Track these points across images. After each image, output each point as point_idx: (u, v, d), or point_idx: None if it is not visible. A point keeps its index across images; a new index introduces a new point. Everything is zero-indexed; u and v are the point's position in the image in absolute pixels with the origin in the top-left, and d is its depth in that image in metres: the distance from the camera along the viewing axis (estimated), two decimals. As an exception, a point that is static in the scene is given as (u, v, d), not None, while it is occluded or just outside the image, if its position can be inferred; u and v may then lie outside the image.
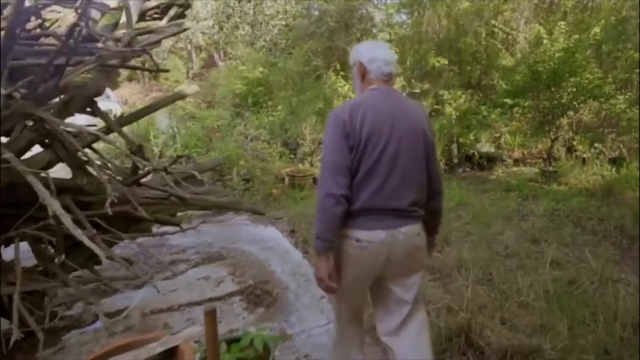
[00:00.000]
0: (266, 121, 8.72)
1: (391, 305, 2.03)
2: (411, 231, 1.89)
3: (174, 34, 3.77)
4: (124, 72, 26.00)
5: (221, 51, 14.02)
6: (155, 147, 8.64)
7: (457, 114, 7.68)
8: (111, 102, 15.22)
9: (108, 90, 17.97)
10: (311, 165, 7.57)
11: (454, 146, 7.68)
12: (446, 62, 8.27)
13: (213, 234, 5.43)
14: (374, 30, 11.52)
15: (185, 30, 3.79)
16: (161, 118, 10.40)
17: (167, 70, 3.98)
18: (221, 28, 13.89)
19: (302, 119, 8.04)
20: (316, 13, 12.35)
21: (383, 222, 1.84)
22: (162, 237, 4.41)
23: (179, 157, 5.15)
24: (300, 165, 7.56)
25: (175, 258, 4.90)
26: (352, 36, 11.00)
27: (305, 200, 6.43)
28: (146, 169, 2.99)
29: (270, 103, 9.93)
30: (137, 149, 3.31)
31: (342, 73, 8.22)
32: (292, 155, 8.27)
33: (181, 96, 4.31)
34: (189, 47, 16.97)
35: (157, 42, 3.63)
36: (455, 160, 7.74)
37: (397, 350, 2.01)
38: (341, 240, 1.85)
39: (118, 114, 12.12)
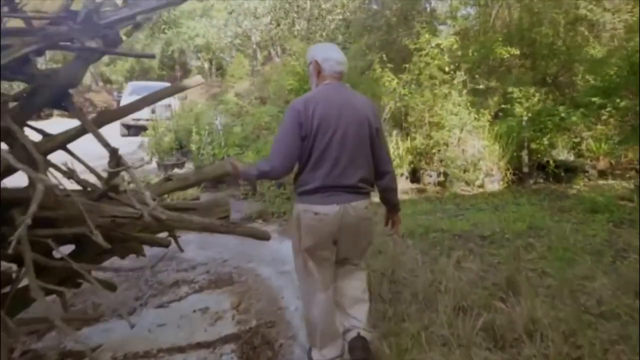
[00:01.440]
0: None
1: (342, 270, 2.36)
2: (360, 205, 2.14)
3: (153, 9, 2.84)
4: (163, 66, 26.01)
5: (278, 47, 13.22)
6: (194, 145, 7.88)
7: (529, 114, 6.24)
8: (172, 98, 14.92)
9: (169, 85, 17.83)
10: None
11: (524, 152, 6.25)
12: (517, 52, 6.77)
13: (231, 248, 4.51)
14: (436, 23, 10.16)
15: (170, 4, 2.85)
16: (209, 114, 9.69)
17: (152, 56, 3.00)
18: (278, 24, 13.03)
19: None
20: (375, 7, 11.18)
21: (336, 198, 2.08)
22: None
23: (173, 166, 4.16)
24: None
25: (180, 277, 4.03)
26: (411, 30, 9.72)
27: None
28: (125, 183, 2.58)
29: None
30: (112, 154, 2.42)
31: (389, 65, 7.03)
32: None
33: (180, 88, 3.40)
34: (254, 45, 16.40)
35: (130, 19, 2.72)
36: (525, 170, 6.30)
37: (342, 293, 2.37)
38: (302, 214, 2.13)
39: (176, 109, 11.69)
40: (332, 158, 2.05)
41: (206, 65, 25.17)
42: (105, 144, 2.30)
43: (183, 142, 8.99)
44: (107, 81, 30.12)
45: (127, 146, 9.79)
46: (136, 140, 12.23)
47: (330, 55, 2.18)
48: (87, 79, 27.51)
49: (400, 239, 4.11)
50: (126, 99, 14.76)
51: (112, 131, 14.93)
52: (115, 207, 2.55)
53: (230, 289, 3.76)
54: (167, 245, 2.94)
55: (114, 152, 2.36)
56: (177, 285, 3.89)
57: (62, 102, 2.49)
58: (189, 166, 8.00)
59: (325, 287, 2.26)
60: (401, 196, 6.01)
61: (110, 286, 3.19)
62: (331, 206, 2.06)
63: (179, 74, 28.24)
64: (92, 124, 2.48)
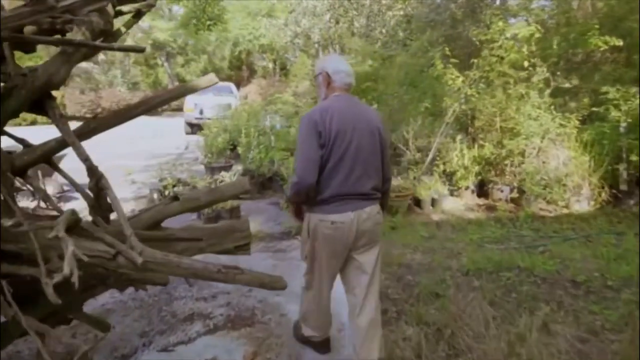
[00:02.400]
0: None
1: (352, 275, 2.24)
2: (373, 210, 2.14)
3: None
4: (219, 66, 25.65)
5: (337, 46, 12.28)
6: (241, 147, 7.15)
7: (628, 119, 4.83)
8: (232, 97, 14.45)
9: (232, 85, 17.51)
10: (415, 180, 5.32)
11: (622, 166, 4.86)
12: (619, 42, 5.26)
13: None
14: (507, 16, 8.72)
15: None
16: (266, 116, 8.95)
17: (141, 50, 2.18)
18: (337, 22, 12.06)
19: (407, 119, 5.87)
20: (438, 0, 9.92)
21: (351, 205, 2.06)
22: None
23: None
24: (399, 180, 5.43)
25: (197, 309, 3.28)
26: (479, 23, 8.40)
27: (399, 231, 4.33)
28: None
29: (374, 100, 7.81)
30: (90, 173, 1.88)
31: (453, 61, 5.77)
32: (393, 165, 6.19)
33: (189, 89, 2.60)
34: (315, 44, 15.58)
35: (92, 2, 1.96)
36: (624, 187, 4.91)
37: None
38: (318, 224, 2.09)
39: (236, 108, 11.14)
40: (347, 167, 2.04)
41: (270, 65, 24.82)
42: (85, 159, 1.85)
43: (237, 143, 8.33)
44: (182, 81, 30.72)
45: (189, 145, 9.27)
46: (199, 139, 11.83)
47: (340, 67, 2.17)
48: (165, 79, 28.17)
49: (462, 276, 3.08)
50: (191, 98, 14.50)
51: (178, 129, 14.80)
52: (84, 243, 1.82)
53: (248, 332, 2.95)
54: (164, 284, 2.37)
55: (91, 171, 1.83)
56: (191, 319, 3.14)
57: (42, 106, 2.02)
58: (238, 168, 7.29)
59: (329, 294, 2.33)
60: (465, 213, 4.93)
61: (103, 326, 2.56)
62: (346, 214, 2.05)
63: (245, 74, 28.18)
64: (72, 133, 1.98)
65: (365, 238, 2.13)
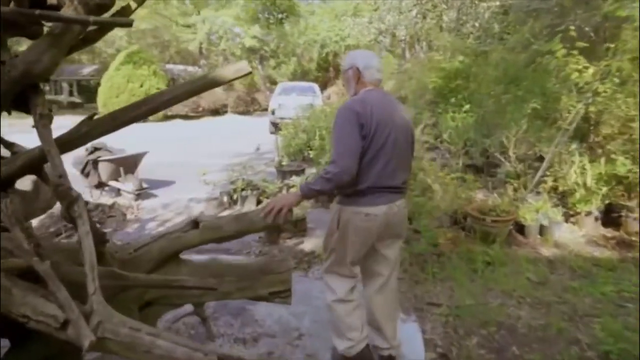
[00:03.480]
0: (454, 124, 5.36)
1: (376, 264, 2.13)
2: (402, 204, 2.07)
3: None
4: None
5: (424, 43, 11.00)
6: (313, 151, 6.32)
7: None
8: (314, 97, 13.74)
9: (315, 86, 16.84)
10: (517, 202, 4.03)
11: None
12: None
13: (319, 311, 2.79)
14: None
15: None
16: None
17: (129, 23, 1.46)
18: (424, 17, 10.75)
19: (507, 123, 4.60)
20: (544, -14, 8.23)
21: (384, 198, 1.97)
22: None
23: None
24: (494, 197, 4.21)
25: (233, 353, 2.47)
26: (594, 11, 6.68)
27: (496, 269, 3.18)
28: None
29: (465, 100, 6.52)
30: (59, 195, 1.48)
31: (579, 44, 4.14)
32: (487, 177, 4.94)
33: (211, 82, 1.83)
34: (400, 41, 14.35)
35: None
36: None
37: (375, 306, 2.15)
38: (351, 217, 1.97)
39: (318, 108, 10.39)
40: (384, 160, 1.94)
41: (356, 65, 23.93)
42: (60, 175, 1.46)
43: (311, 146, 7.54)
44: (273, 82, 30.97)
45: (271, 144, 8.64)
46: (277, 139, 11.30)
47: (371, 63, 2.07)
48: (258, 80, 28.51)
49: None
50: (275, 99, 14.11)
51: (263, 128, 14.52)
52: (33, 299, 1.41)
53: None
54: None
55: (61, 193, 1.45)
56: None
57: (25, 102, 1.61)
58: (311, 171, 6.49)
59: (354, 287, 2.19)
60: (587, 248, 3.54)
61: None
62: (379, 207, 1.97)
63: (332, 75, 27.53)
64: (51, 139, 1.55)
65: (394, 231, 2.08)
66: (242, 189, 5.50)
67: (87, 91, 23.32)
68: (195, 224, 1.99)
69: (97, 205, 5.32)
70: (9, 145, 1.98)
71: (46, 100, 1.77)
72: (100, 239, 1.84)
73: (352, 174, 1.86)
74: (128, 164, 6.02)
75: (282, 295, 2.08)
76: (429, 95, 8.38)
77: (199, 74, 24.30)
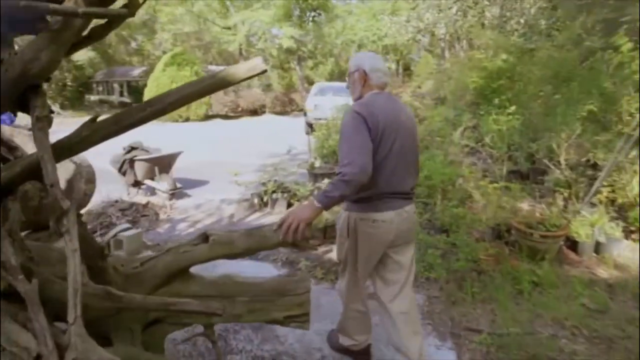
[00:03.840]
0: (497, 127, 4.89)
1: (389, 272, 2.03)
2: (411, 210, 1.98)
3: None
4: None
5: (463, 41, 10.43)
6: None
7: None
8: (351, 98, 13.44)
9: (351, 87, 16.57)
10: (568, 214, 3.56)
11: None
12: None
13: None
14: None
15: None
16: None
17: (125, 14, 1.19)
18: (465, 14, 10.18)
19: (556, 126, 4.14)
20: (598, -22, 7.53)
21: (393, 204, 1.89)
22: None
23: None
24: (541, 208, 3.76)
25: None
26: (657, 3, 5.98)
27: (545, 292, 2.78)
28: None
29: (509, 101, 6.00)
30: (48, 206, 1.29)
31: None
32: (533, 184, 4.48)
33: (221, 82, 1.60)
34: (440, 40, 13.77)
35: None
36: None
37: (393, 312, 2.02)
38: (358, 223, 1.91)
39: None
40: (392, 165, 1.86)
41: (393, 66, 23.30)
42: (52, 184, 1.28)
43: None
44: (311, 83, 30.82)
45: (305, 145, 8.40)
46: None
47: (377, 65, 1.99)
48: (296, 80, 28.47)
49: None
50: (311, 99, 13.90)
51: (299, 129, 14.34)
52: (9, 325, 1.26)
53: None
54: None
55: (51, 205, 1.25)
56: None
57: (26, 102, 1.44)
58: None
59: (365, 295, 2.20)
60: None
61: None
62: (387, 213, 1.88)
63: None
64: (48, 144, 1.37)
65: (404, 237, 1.99)
66: (273, 191, 5.31)
67: (136, 92, 24.06)
68: (205, 237, 1.78)
69: (132, 204, 5.28)
70: (12, 149, 1.84)
71: (47, 102, 1.60)
72: (99, 254, 1.66)
73: (369, 173, 1.74)
74: (163, 164, 5.97)
75: (299, 319, 1.83)
76: (470, 96, 7.88)
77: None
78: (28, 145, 3.92)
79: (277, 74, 27.90)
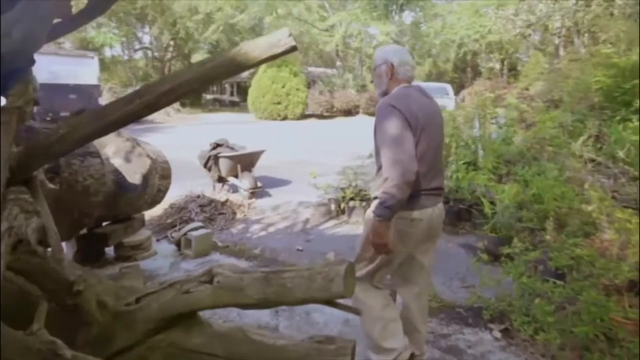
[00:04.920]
0: (634, 138, 3.68)
1: (413, 273, 1.95)
2: (442, 206, 1.89)
3: None
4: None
5: (585, 35, 8.67)
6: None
7: None
8: (447, 99, 12.19)
9: (447, 86, 15.06)
10: None
11: None
12: None
13: None
14: None
15: None
16: (477, 121, 6.63)
17: None
18: (588, 5, 8.43)
19: None
20: None
21: (428, 201, 1.79)
22: None
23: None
24: None
25: None
26: None
27: None
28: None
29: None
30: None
31: None
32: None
33: (232, 63, 0.99)
34: (554, 35, 11.87)
35: None
36: None
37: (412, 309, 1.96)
38: (396, 221, 1.72)
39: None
40: (429, 161, 1.76)
41: (497, 65, 21.07)
42: None
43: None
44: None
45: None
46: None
47: (405, 59, 1.86)
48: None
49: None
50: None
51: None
52: None
53: None
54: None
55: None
56: None
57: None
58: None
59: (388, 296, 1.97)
60: None
61: None
62: (424, 210, 1.78)
63: (469, 76, 24.94)
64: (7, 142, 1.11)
65: (433, 235, 1.89)
66: (351, 198, 4.72)
67: (245, 92, 25.23)
68: (210, 278, 1.27)
69: (211, 201, 5.11)
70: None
71: (30, 91, 1.21)
72: (66, 290, 1.23)
73: (416, 170, 1.65)
74: (245, 162, 5.75)
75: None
76: (593, 98, 6.43)
77: (334, 74, 24.29)
78: (109, 141, 3.86)
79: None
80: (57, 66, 15.53)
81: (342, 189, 5.06)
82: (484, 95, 8.28)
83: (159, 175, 3.69)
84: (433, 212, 1.81)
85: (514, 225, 3.48)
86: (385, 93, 1.84)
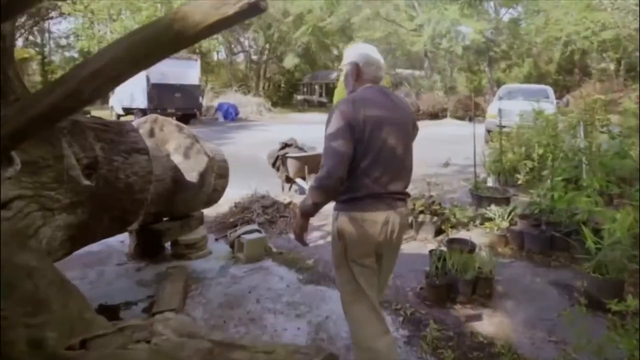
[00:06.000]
0: None
1: (371, 276, 1.75)
2: (404, 211, 1.80)
3: None
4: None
5: None
6: (522, 173, 4.32)
7: None
8: (547, 103, 10.54)
9: (548, 89, 13.06)
10: None
11: None
12: None
13: None
14: None
15: None
16: (582, 129, 5.46)
17: None
18: None
19: None
20: None
21: (384, 204, 1.70)
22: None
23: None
24: None
25: None
26: None
27: None
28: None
29: None
30: None
31: None
32: None
33: (168, 32, 0.64)
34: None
35: None
36: None
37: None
38: (346, 224, 1.69)
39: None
40: (384, 163, 1.66)
41: (612, 66, 18.02)
42: None
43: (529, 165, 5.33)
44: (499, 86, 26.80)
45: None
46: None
47: (372, 59, 1.79)
48: (486, 83, 25.14)
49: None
50: (495, 103, 11.62)
51: (479, 136, 12.21)
52: None
53: None
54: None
55: None
56: None
57: None
58: (524, 200, 4.52)
59: (374, 303, 1.72)
60: None
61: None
62: (378, 213, 1.67)
63: (577, 78, 21.79)
64: None
65: (394, 240, 1.75)
66: (420, 212, 4.10)
67: (332, 93, 25.28)
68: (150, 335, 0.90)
69: (274, 203, 4.87)
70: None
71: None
72: None
73: (338, 177, 1.58)
74: (313, 163, 5.42)
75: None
76: None
77: (420, 76, 22.96)
78: (172, 137, 3.76)
79: (465, 77, 25.17)
80: (166, 68, 16.86)
81: (412, 200, 4.45)
82: (593, 98, 6.85)
83: (216, 175, 3.50)
84: (389, 215, 1.69)
85: (626, 266, 2.63)
86: (352, 93, 1.78)
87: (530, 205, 3.88)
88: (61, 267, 3.44)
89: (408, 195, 1.83)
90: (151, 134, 3.56)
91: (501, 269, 3.11)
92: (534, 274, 3.13)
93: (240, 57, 31.06)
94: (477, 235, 3.86)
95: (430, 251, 3.14)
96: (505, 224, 3.76)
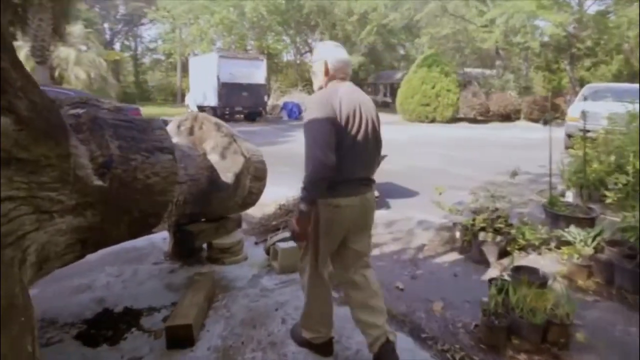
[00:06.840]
0: None
1: (350, 259, 1.95)
2: (372, 196, 1.94)
3: None
4: None
5: None
6: (612, 191, 3.48)
7: None
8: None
9: (644, 90, 11.15)
10: None
11: None
12: None
13: None
14: None
15: None
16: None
17: None
18: None
19: None
20: None
21: (356, 190, 1.83)
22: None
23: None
24: None
25: None
26: None
27: None
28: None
29: None
30: None
31: None
32: None
33: None
34: None
35: None
36: None
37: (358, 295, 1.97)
38: (322, 208, 1.79)
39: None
40: (356, 152, 1.79)
41: None
42: None
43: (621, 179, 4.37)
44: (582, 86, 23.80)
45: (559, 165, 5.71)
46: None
47: (340, 57, 1.92)
48: (566, 83, 22.49)
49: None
50: (577, 104, 10.13)
51: (558, 141, 10.80)
52: None
53: None
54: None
55: None
56: None
57: None
58: (613, 220, 3.67)
59: (328, 282, 2.00)
60: None
61: None
62: (351, 198, 1.81)
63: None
64: None
65: (363, 224, 1.92)
66: (482, 228, 3.46)
67: (397, 93, 24.48)
68: None
69: (319, 208, 4.48)
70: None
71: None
72: None
73: (332, 166, 1.67)
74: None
75: None
76: None
77: (491, 75, 21.09)
78: (210, 135, 3.53)
79: (542, 76, 22.77)
80: (235, 68, 17.28)
81: (474, 212, 3.80)
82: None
83: (251, 177, 3.20)
84: (360, 200, 1.83)
85: None
86: (320, 89, 1.90)
87: (623, 231, 3.08)
88: (103, 262, 3.43)
89: (373, 181, 1.95)
90: (191, 132, 3.37)
91: (582, 310, 2.43)
92: (627, 322, 2.40)
93: (308, 58, 31.24)
94: (550, 262, 3.16)
95: (490, 280, 2.56)
96: (588, 251, 3.02)
